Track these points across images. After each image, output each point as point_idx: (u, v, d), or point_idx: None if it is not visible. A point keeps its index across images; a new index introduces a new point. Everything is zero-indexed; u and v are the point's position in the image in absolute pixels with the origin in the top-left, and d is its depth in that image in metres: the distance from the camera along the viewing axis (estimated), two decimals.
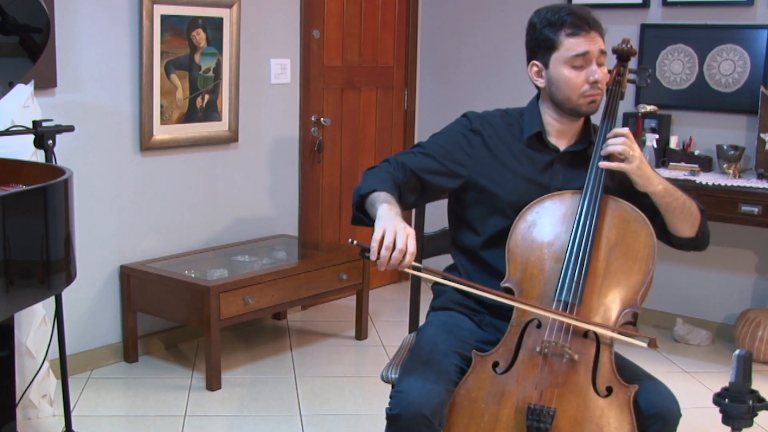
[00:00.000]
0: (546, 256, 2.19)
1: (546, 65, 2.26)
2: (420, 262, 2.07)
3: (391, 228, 1.97)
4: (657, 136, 4.28)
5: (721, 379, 3.73)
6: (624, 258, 2.18)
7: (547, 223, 2.23)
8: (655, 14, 4.48)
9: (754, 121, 4.19)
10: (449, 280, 2.18)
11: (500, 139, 2.34)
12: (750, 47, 4.22)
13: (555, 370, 2.06)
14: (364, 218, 2.18)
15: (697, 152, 4.30)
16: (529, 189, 2.28)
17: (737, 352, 1.66)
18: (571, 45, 2.20)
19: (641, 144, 4.29)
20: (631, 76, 2.39)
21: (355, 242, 2.01)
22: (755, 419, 1.69)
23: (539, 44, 2.26)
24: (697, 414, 3.38)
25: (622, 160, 2.19)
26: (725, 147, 4.18)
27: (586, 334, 2.10)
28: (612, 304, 2.14)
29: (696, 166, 4.19)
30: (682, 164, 4.22)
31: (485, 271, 2.33)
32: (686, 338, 4.40)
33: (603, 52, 2.23)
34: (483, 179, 2.32)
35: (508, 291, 2.19)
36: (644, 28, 4.49)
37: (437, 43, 5.23)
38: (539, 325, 2.12)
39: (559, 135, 2.33)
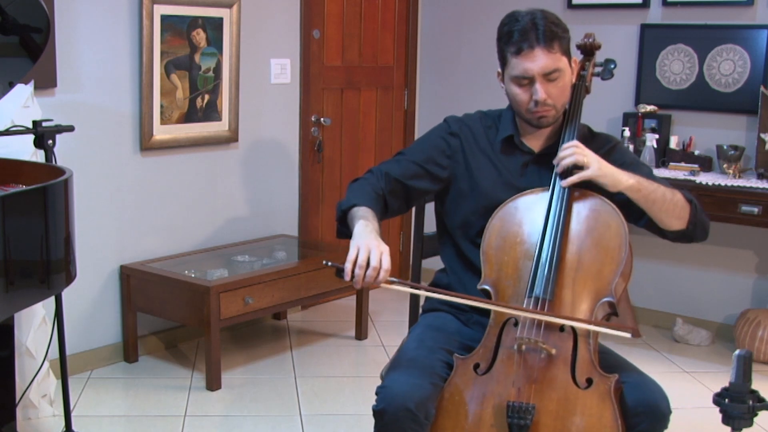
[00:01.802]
0: (519, 254, 2.20)
1: (502, 77, 2.28)
2: (396, 278, 2.08)
3: (365, 247, 2.01)
4: (657, 136, 4.28)
5: (721, 379, 3.74)
6: (595, 249, 2.17)
7: (518, 222, 2.24)
8: (655, 14, 4.48)
9: (754, 121, 4.19)
10: (424, 290, 2.21)
11: (477, 142, 2.36)
12: (750, 47, 4.22)
13: (531, 366, 2.08)
14: (347, 232, 2.21)
15: (697, 152, 4.29)
16: (503, 191, 2.29)
17: (737, 352, 1.66)
18: (514, 64, 2.19)
19: (641, 144, 4.30)
20: (597, 70, 2.38)
21: (329, 264, 2.04)
22: (755, 419, 1.69)
23: (498, 55, 2.27)
24: (697, 414, 3.39)
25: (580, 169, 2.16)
26: (725, 147, 4.18)
27: (562, 328, 2.10)
28: (585, 296, 2.14)
29: (696, 166, 4.19)
30: (682, 164, 4.22)
31: (470, 269, 2.34)
32: (686, 338, 4.40)
33: (551, 71, 2.16)
34: (460, 181, 2.34)
35: (485, 292, 2.21)
36: (644, 28, 4.49)
37: (437, 43, 5.23)
38: (516, 323, 2.14)
39: (533, 137, 2.33)
